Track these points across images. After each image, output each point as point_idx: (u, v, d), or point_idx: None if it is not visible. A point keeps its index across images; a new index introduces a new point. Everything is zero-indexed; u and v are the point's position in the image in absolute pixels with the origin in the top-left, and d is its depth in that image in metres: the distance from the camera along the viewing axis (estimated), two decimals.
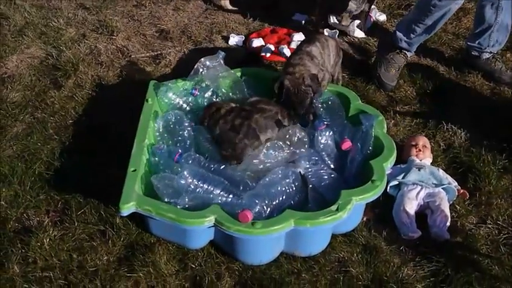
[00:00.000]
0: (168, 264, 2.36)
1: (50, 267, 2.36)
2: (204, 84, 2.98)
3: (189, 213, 2.30)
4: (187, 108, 2.93)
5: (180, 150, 2.58)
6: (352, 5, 3.79)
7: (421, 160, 2.78)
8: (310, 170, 2.56)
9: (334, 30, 3.84)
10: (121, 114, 3.06)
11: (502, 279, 2.34)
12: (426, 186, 2.63)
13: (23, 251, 2.41)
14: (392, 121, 3.12)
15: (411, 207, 2.57)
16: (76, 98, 3.26)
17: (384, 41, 3.54)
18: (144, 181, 2.49)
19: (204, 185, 2.39)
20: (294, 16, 4.05)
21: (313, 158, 2.60)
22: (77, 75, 3.42)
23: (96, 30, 3.87)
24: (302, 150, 2.61)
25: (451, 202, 2.64)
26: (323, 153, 2.64)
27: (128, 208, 2.30)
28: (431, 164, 2.82)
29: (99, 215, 2.56)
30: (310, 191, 2.49)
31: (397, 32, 3.38)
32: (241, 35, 3.84)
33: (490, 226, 2.57)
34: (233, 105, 2.82)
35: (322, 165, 2.60)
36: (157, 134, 2.75)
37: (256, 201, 2.34)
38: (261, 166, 2.56)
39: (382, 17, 4.02)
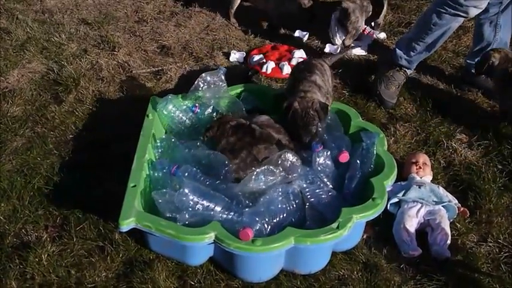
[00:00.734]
0: (167, 281, 2.35)
1: (48, 284, 2.34)
2: (204, 100, 2.98)
3: (189, 229, 2.29)
4: (188, 122, 2.92)
5: (177, 164, 2.57)
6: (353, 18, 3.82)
7: (421, 177, 2.78)
8: (307, 189, 2.54)
9: (336, 46, 3.86)
10: (121, 129, 3.07)
11: None
12: (426, 203, 2.63)
13: (21, 266, 2.40)
14: (393, 138, 3.12)
15: (411, 224, 2.56)
16: (76, 113, 3.26)
17: (384, 58, 3.55)
18: (144, 197, 2.48)
19: (205, 202, 2.38)
20: (295, 33, 4.07)
21: (310, 176, 2.57)
22: (78, 90, 3.43)
23: (98, 45, 3.89)
24: (294, 175, 2.56)
25: (451, 220, 2.63)
26: (321, 174, 2.60)
27: (127, 224, 2.29)
28: (432, 181, 2.81)
29: (98, 230, 2.55)
30: (308, 209, 2.48)
31: (397, 49, 3.40)
32: (242, 51, 3.85)
33: (490, 244, 2.56)
34: (242, 121, 2.77)
35: (320, 184, 2.57)
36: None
37: (257, 218, 2.33)
38: (254, 189, 2.52)
39: (382, 35, 4.04)
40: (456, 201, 2.68)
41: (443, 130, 3.19)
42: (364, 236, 2.56)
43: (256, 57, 3.71)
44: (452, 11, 3.07)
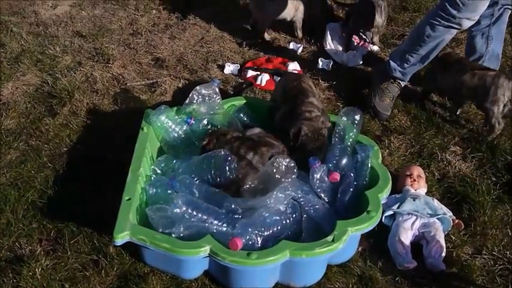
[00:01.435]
0: None
1: None
2: (199, 114, 2.98)
3: (184, 243, 2.28)
4: (183, 135, 2.92)
5: (173, 174, 2.57)
6: (378, 20, 3.85)
7: (415, 190, 2.78)
8: (302, 200, 2.54)
9: (328, 60, 3.87)
10: (116, 142, 3.07)
11: None
12: (421, 216, 2.63)
13: (15, 280, 2.39)
14: (387, 151, 3.13)
15: (406, 237, 2.56)
16: (71, 126, 3.25)
17: (378, 70, 3.57)
18: (138, 210, 2.47)
19: (198, 214, 2.38)
20: (289, 45, 4.08)
21: (305, 188, 2.58)
22: (72, 103, 3.42)
23: (92, 58, 3.89)
24: (293, 176, 2.55)
25: (446, 232, 2.64)
26: (319, 190, 2.60)
27: (122, 238, 2.28)
28: (426, 194, 2.82)
29: (92, 244, 2.54)
30: (304, 221, 2.48)
31: (391, 61, 3.41)
32: (237, 63, 3.86)
33: (485, 257, 2.57)
34: (239, 134, 2.80)
35: (313, 197, 2.57)
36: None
37: (250, 229, 2.32)
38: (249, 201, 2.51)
39: (376, 47, 4.06)
40: (451, 214, 2.69)
41: (437, 142, 3.20)
42: (359, 249, 2.56)
43: (251, 70, 3.72)
44: (446, 23, 3.09)
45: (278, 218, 2.40)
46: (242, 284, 2.34)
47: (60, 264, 2.46)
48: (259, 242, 2.33)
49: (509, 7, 3.31)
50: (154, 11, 4.46)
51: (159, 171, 2.71)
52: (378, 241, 2.60)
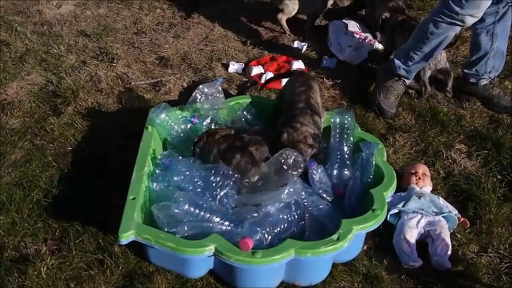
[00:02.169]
0: None
1: None
2: (202, 112, 2.98)
3: (189, 242, 2.28)
4: (184, 135, 2.90)
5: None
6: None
7: (421, 188, 2.78)
8: (305, 201, 2.54)
9: (333, 58, 3.86)
10: (120, 141, 3.07)
11: None
12: (426, 214, 2.62)
13: (20, 280, 2.39)
14: (392, 149, 3.12)
15: (412, 235, 2.55)
16: (75, 125, 3.26)
17: (383, 68, 3.56)
18: (143, 209, 2.47)
19: (201, 213, 2.38)
20: (294, 44, 4.08)
21: (308, 190, 2.58)
22: (77, 102, 3.43)
23: (97, 57, 3.89)
24: (299, 170, 2.55)
25: (451, 230, 2.63)
26: (320, 191, 2.61)
27: (127, 237, 2.28)
28: (431, 192, 2.81)
29: (98, 243, 2.54)
30: (308, 220, 2.48)
31: (396, 59, 3.40)
32: (241, 62, 3.86)
33: (491, 255, 2.56)
34: (231, 131, 2.80)
35: (316, 197, 2.58)
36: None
37: (258, 229, 2.33)
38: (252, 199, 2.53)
39: (381, 45, 4.04)
40: (456, 212, 2.68)
41: (442, 140, 3.19)
42: (365, 247, 2.56)
43: (255, 69, 3.71)
44: (449, 20, 3.08)
45: (285, 216, 2.41)
46: (247, 283, 2.34)
47: (65, 264, 2.46)
48: (268, 240, 2.34)
49: None
50: (158, 10, 4.46)
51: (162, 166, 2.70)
52: (383, 239, 2.60)
